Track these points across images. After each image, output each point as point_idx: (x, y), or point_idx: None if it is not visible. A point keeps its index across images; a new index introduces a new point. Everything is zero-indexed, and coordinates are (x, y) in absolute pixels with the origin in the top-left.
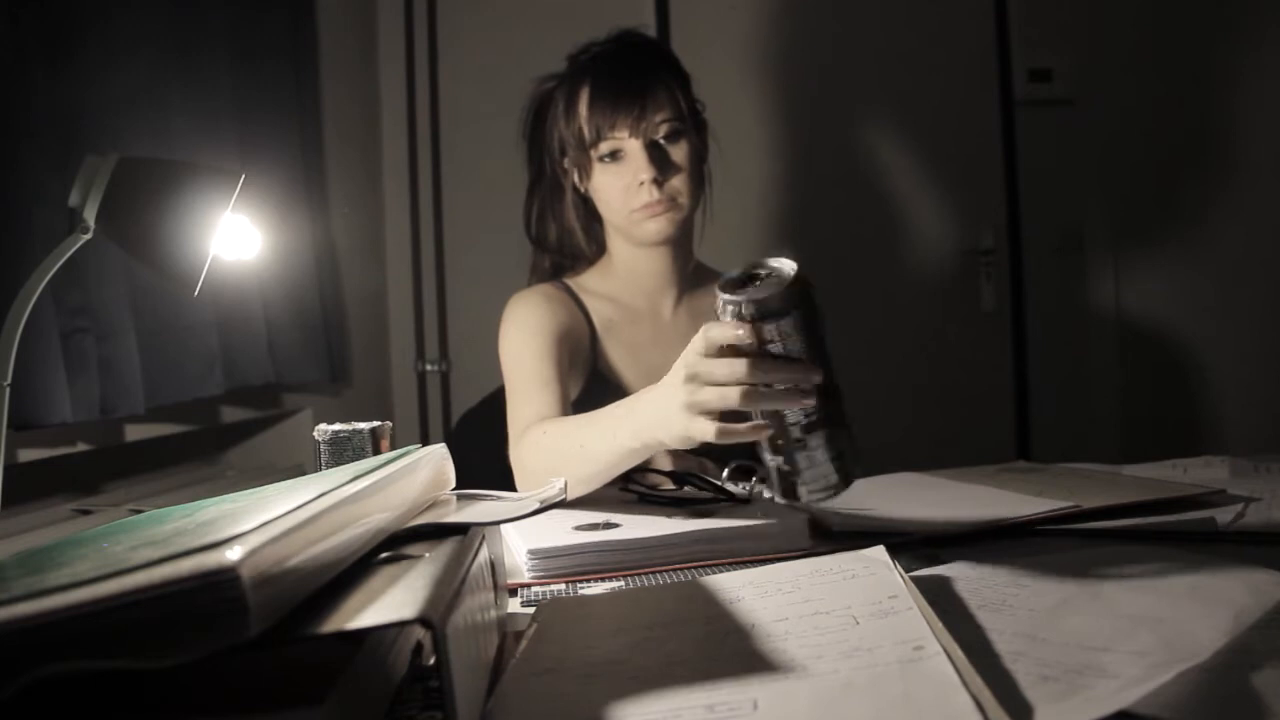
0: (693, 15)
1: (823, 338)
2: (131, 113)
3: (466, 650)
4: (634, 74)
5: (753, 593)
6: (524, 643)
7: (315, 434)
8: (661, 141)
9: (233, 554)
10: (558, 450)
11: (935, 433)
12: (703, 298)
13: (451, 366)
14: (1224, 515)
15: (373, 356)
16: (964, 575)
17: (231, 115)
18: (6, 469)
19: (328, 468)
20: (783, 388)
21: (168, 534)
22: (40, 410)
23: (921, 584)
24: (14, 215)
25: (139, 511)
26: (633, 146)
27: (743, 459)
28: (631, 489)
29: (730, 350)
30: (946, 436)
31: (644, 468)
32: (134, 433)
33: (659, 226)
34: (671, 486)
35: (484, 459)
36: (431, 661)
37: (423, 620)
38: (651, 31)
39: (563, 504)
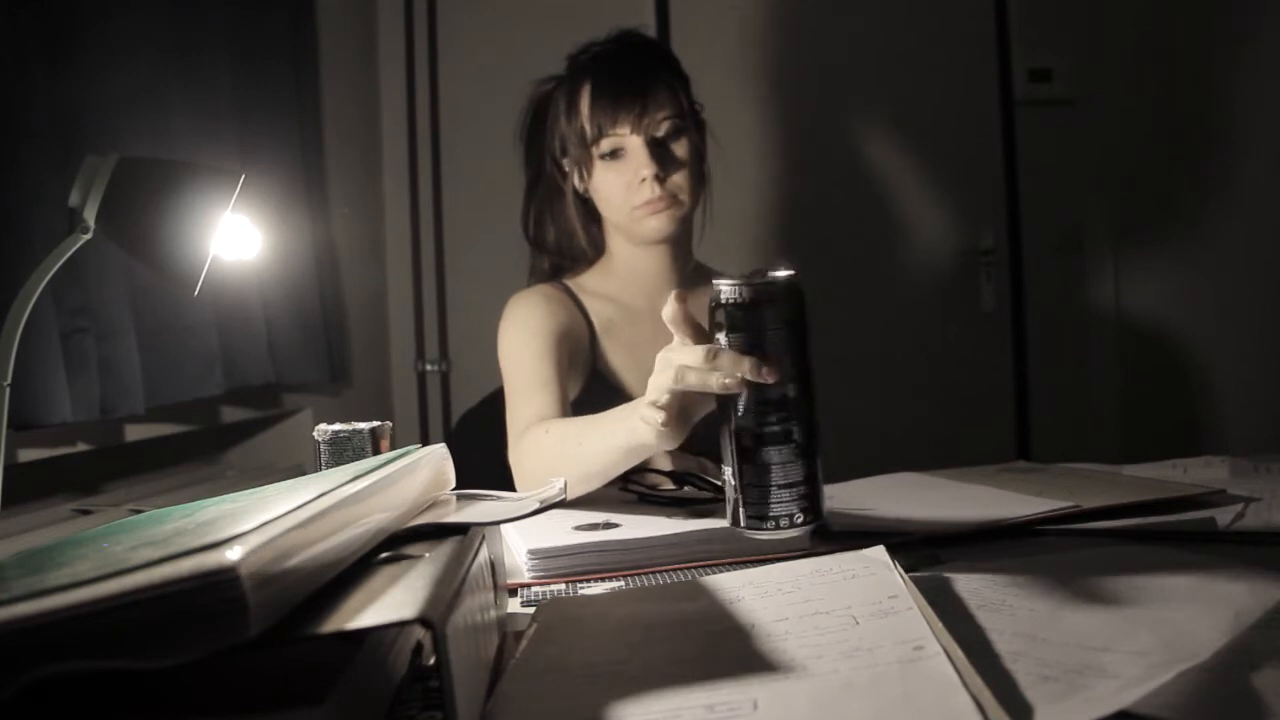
0: (693, 15)
1: (805, 351)
2: (131, 113)
3: (466, 650)
4: (635, 73)
5: (753, 593)
6: (524, 643)
7: (315, 434)
8: (663, 139)
9: (233, 554)
10: (558, 450)
11: (935, 433)
12: (702, 297)
13: (451, 366)
14: (1224, 515)
15: (373, 356)
16: (964, 575)
17: (231, 115)
18: (6, 469)
19: (328, 468)
20: (728, 379)
21: (168, 534)
22: (40, 410)
23: (921, 584)
24: (14, 215)
25: (139, 511)
26: (634, 144)
27: None
28: (631, 489)
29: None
30: (946, 436)
31: (644, 468)
32: (134, 433)
33: (660, 224)
34: (671, 486)
35: (484, 459)
36: (431, 661)
37: (423, 620)
38: (651, 32)
39: (562, 504)
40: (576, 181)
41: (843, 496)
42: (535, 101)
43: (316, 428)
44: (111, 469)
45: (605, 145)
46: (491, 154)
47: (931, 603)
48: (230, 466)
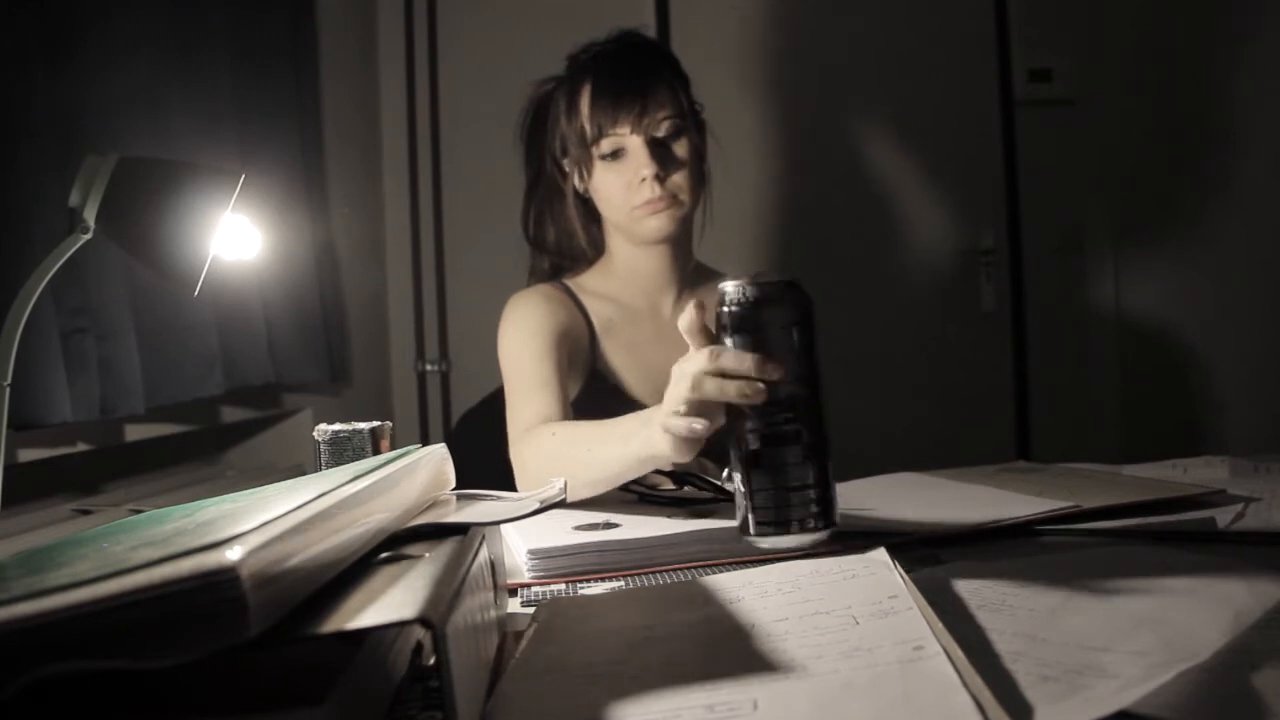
0: (693, 15)
1: (812, 355)
2: (131, 113)
3: (466, 650)
4: (635, 73)
5: (753, 593)
6: (524, 643)
7: (315, 434)
8: (663, 139)
9: (233, 554)
10: (566, 453)
11: (935, 433)
12: (703, 297)
13: (451, 366)
14: (1224, 515)
15: (373, 356)
16: (964, 575)
17: (231, 115)
18: (6, 469)
19: (328, 468)
20: (747, 389)
21: (168, 534)
22: (40, 410)
23: (921, 584)
24: (14, 215)
25: (139, 511)
26: (634, 143)
27: None
28: (631, 489)
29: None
30: (946, 436)
31: None
32: (134, 433)
33: (660, 223)
34: (671, 486)
35: (484, 459)
36: (431, 661)
37: (423, 620)
38: (651, 32)
39: (562, 504)
40: (576, 181)
41: (843, 496)
42: (535, 102)
43: (316, 428)
44: (111, 469)
45: (605, 145)
46: (491, 154)
47: (931, 603)
48: (230, 466)
